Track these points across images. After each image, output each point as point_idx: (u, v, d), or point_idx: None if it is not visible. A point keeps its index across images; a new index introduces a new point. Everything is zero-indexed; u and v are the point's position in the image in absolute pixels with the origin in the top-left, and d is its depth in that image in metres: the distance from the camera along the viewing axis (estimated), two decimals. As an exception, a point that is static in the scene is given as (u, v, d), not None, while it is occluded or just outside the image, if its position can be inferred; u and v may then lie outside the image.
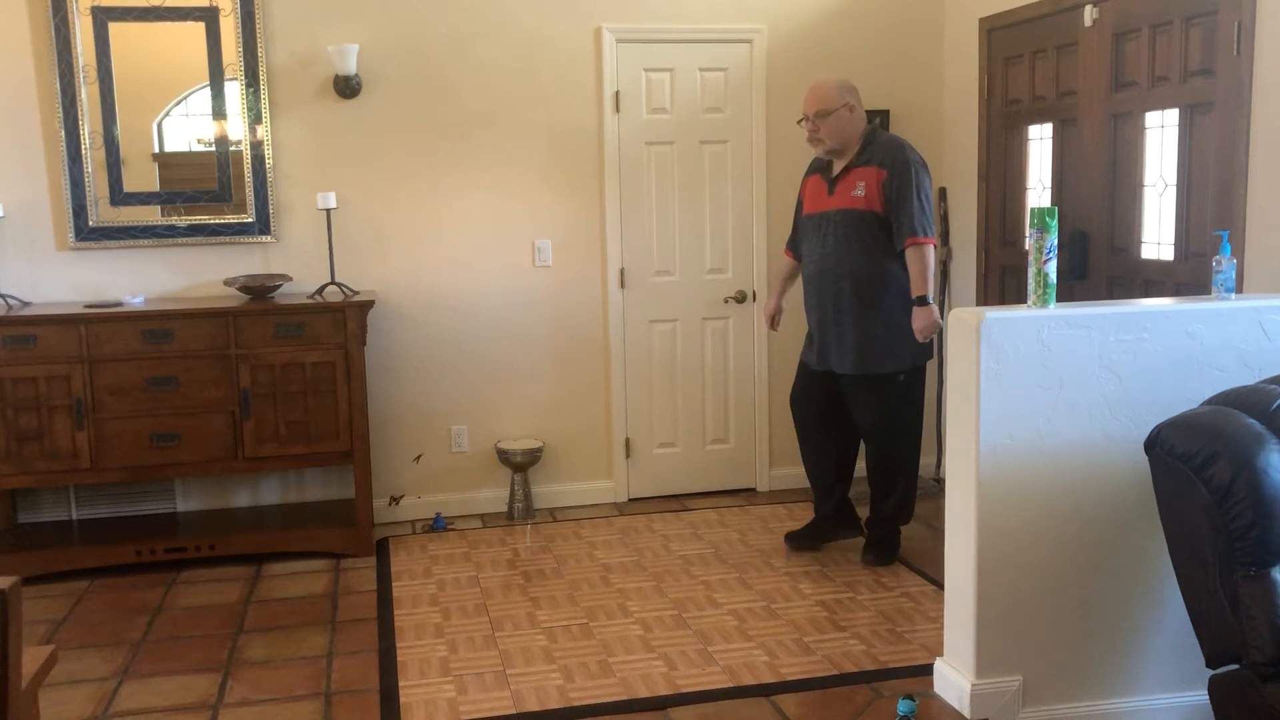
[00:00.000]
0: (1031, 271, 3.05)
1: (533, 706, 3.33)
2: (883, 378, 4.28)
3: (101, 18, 4.69)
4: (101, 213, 4.78)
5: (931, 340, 4.29)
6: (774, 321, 4.68)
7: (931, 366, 5.58)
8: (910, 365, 4.28)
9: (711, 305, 5.41)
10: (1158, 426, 2.73)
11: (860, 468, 4.63)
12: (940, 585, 3.66)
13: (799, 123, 4.39)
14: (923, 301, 4.12)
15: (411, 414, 5.17)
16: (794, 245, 4.59)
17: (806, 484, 5.55)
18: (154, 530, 4.73)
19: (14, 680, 1.86)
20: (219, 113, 4.86)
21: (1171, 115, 4.10)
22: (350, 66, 4.84)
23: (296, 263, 4.95)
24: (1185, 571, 2.72)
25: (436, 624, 3.98)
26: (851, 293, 4.24)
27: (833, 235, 4.26)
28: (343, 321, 4.60)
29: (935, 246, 4.17)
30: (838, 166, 4.31)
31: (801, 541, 4.65)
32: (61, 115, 4.68)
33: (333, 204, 4.79)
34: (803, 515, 5.12)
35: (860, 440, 4.53)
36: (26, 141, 4.71)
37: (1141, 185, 4.28)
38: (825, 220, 4.29)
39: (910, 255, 4.13)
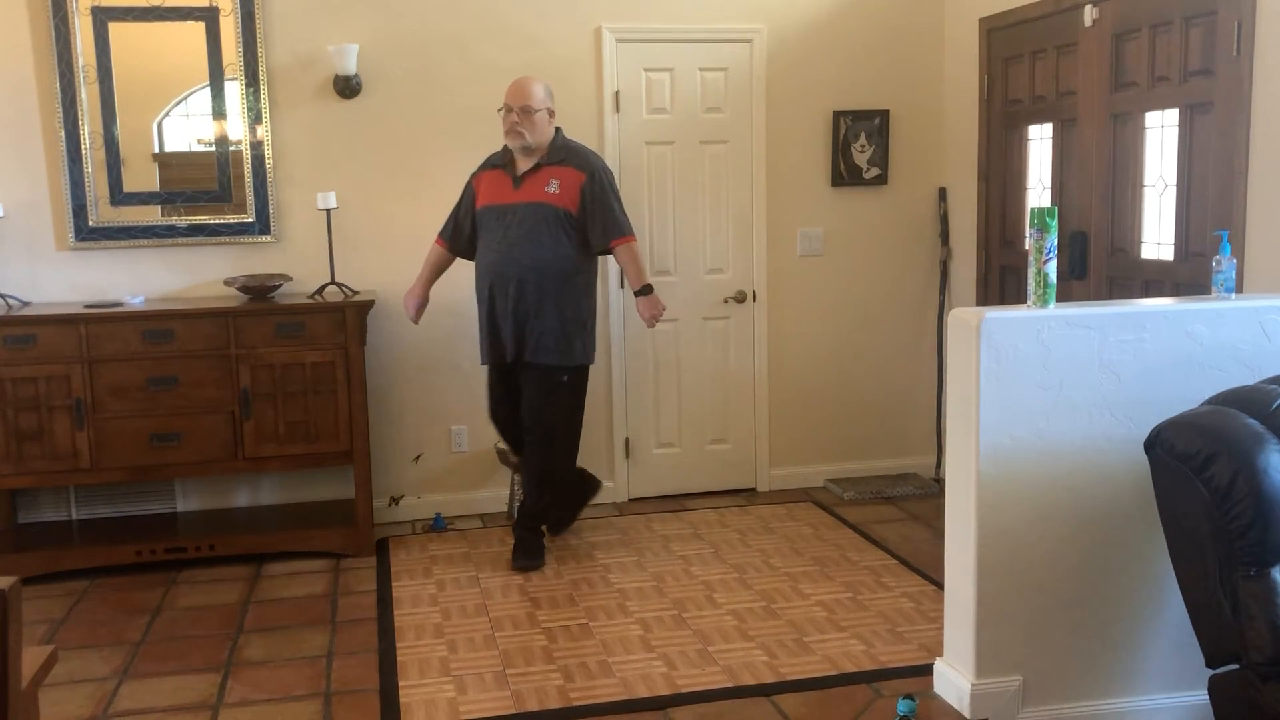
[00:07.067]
0: (1031, 271, 3.06)
1: (533, 706, 3.33)
2: (551, 371, 4.42)
3: (101, 18, 4.69)
4: (101, 213, 4.78)
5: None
6: (418, 313, 4.66)
7: (930, 365, 5.58)
8: (577, 364, 4.46)
9: (711, 305, 5.41)
10: (1158, 426, 2.73)
11: None
12: (940, 585, 3.66)
13: (499, 110, 4.43)
14: (646, 290, 4.45)
15: (411, 414, 5.16)
16: (453, 237, 4.60)
17: (808, 484, 5.59)
18: (154, 530, 4.73)
19: (14, 680, 1.86)
20: (219, 113, 4.86)
21: (1171, 115, 4.10)
22: (350, 66, 4.84)
23: (296, 263, 4.95)
24: (1185, 571, 2.73)
25: (436, 624, 3.98)
26: (535, 284, 4.36)
27: (518, 227, 4.38)
28: (343, 321, 4.61)
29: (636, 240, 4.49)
30: (524, 164, 4.42)
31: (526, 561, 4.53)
32: (61, 115, 4.68)
33: (333, 204, 4.79)
34: (804, 515, 5.12)
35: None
36: (26, 141, 4.71)
37: (1141, 185, 4.28)
38: (509, 212, 4.40)
39: (622, 253, 4.44)
